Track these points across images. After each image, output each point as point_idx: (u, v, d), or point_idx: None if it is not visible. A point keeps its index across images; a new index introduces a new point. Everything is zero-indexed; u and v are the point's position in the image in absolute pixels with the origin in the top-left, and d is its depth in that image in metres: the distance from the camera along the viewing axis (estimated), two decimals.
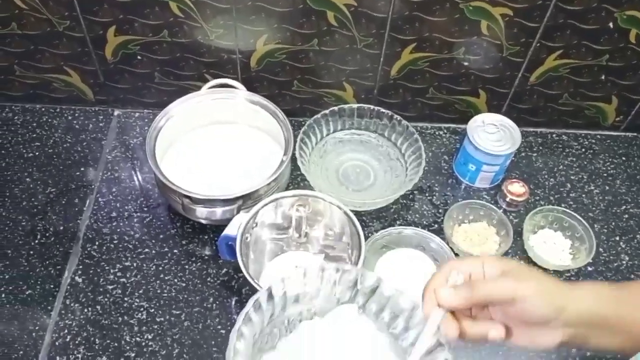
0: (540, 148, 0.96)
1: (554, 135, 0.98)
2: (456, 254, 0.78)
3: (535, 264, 0.81)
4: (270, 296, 0.55)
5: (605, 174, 0.93)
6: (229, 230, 0.70)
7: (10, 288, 0.76)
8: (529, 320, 0.50)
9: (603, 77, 0.90)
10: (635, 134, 0.99)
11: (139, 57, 0.88)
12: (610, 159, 0.95)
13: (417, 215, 0.86)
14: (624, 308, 0.52)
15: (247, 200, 0.76)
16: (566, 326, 0.50)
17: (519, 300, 0.48)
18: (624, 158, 0.96)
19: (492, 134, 0.86)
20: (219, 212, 0.75)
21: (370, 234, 0.80)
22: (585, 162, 0.95)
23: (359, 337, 0.57)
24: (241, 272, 0.67)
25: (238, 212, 0.75)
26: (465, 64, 0.88)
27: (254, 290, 0.66)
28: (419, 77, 0.91)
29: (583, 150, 0.97)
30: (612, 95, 0.93)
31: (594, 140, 0.98)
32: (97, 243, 0.81)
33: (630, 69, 0.88)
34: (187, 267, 0.79)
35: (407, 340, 0.56)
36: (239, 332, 0.53)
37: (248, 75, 0.90)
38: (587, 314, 0.50)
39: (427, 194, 0.89)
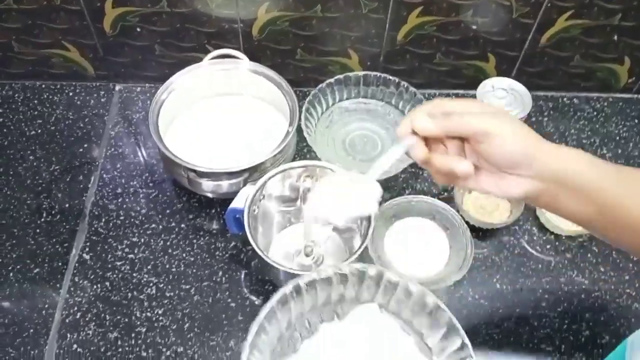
0: (551, 112, 0.94)
1: (565, 99, 0.96)
2: (467, 222, 0.77)
3: (547, 230, 0.80)
4: (284, 302, 0.56)
5: (617, 137, 0.91)
6: (236, 203, 0.69)
7: (19, 267, 0.76)
8: (499, 160, 0.49)
9: (615, 38, 0.87)
10: None
11: (138, 29, 0.86)
12: (622, 122, 0.93)
13: (426, 184, 0.85)
14: (606, 180, 0.50)
15: (254, 172, 0.75)
16: (536, 178, 0.49)
17: (492, 136, 0.48)
18: (636, 120, 0.94)
19: (502, 99, 0.84)
20: (225, 185, 0.74)
21: (380, 204, 0.78)
22: (597, 126, 0.93)
23: (381, 336, 0.58)
24: (249, 245, 0.66)
25: (244, 184, 0.74)
26: (474, 27, 0.86)
27: (263, 263, 0.65)
28: (426, 42, 0.88)
29: (595, 113, 0.94)
30: (625, 56, 0.90)
31: (606, 103, 0.96)
32: (103, 220, 0.80)
33: None
34: (195, 241, 0.79)
35: (434, 338, 0.57)
36: (251, 345, 0.53)
37: (250, 44, 0.88)
38: (562, 172, 0.49)
39: None
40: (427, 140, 0.52)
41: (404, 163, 0.66)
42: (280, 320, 0.57)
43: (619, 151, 0.90)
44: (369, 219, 0.68)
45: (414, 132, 0.51)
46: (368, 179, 0.54)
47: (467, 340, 0.55)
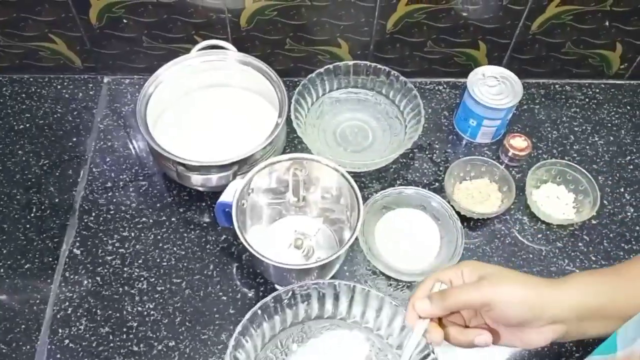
0: (543, 100, 0.94)
1: (556, 86, 0.95)
2: (457, 212, 0.76)
3: (538, 219, 0.80)
4: (257, 322, 0.59)
5: (609, 124, 0.91)
6: (225, 197, 0.69)
7: (9, 262, 0.76)
8: (510, 322, 0.52)
9: (607, 24, 0.86)
10: None
11: (124, 21, 0.85)
12: (614, 109, 0.93)
13: (417, 174, 0.84)
14: (617, 294, 0.52)
15: (243, 165, 0.74)
16: (555, 323, 0.51)
17: (494, 306, 0.50)
18: (628, 107, 0.93)
19: (493, 87, 0.84)
20: (214, 178, 0.74)
21: (370, 195, 0.78)
22: (589, 113, 0.92)
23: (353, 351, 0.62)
24: None
25: (234, 177, 0.73)
26: (464, 14, 0.85)
27: (253, 257, 0.65)
28: (416, 30, 0.87)
29: (587, 100, 0.94)
30: (617, 42, 0.90)
31: (597, 90, 0.95)
32: (93, 214, 0.80)
33: (635, 13, 0.84)
34: (185, 235, 0.78)
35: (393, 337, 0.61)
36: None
37: (238, 35, 0.87)
38: (576, 308, 0.51)
39: (427, 152, 0.87)
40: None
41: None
42: (255, 338, 0.60)
43: (611, 138, 0.89)
44: (358, 210, 0.67)
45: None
46: None
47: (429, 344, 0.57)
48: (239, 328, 0.58)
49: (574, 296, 0.52)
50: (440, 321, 0.54)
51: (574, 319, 0.51)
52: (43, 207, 0.80)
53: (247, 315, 0.58)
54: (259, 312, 0.59)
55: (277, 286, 0.73)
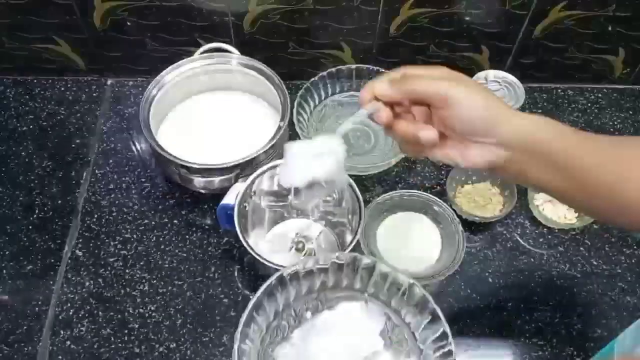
0: (545, 104, 0.94)
1: (559, 91, 0.95)
2: (459, 216, 0.76)
3: (540, 224, 0.80)
4: (270, 294, 0.57)
5: (612, 129, 0.91)
6: (227, 200, 0.69)
7: (12, 264, 0.76)
8: (458, 125, 0.49)
9: (610, 28, 0.86)
10: None
11: (128, 23, 0.86)
12: (617, 113, 0.93)
13: (419, 178, 0.85)
14: (575, 148, 0.49)
15: (245, 168, 0.74)
16: (500, 146, 0.49)
17: (449, 100, 0.47)
18: (631, 112, 0.93)
19: (495, 92, 0.83)
20: (216, 181, 0.74)
21: (371, 198, 0.78)
22: (592, 117, 0.92)
23: (368, 331, 0.60)
24: None
25: (236, 180, 0.74)
26: (467, 18, 0.85)
27: (255, 260, 0.65)
28: (419, 34, 0.87)
29: (589, 105, 0.94)
30: (619, 47, 0.90)
31: (600, 95, 0.95)
32: (96, 216, 0.80)
33: (638, 18, 0.84)
34: (187, 237, 0.79)
35: (419, 327, 0.59)
36: (242, 333, 0.54)
37: (242, 38, 0.87)
38: (527, 139, 0.48)
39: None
40: (394, 109, 0.52)
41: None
42: (267, 310, 0.58)
43: None
44: (360, 214, 0.67)
45: (377, 99, 0.51)
46: (333, 139, 0.54)
47: (447, 329, 0.55)
48: (258, 294, 0.56)
49: (531, 125, 0.48)
50: (392, 109, 0.51)
51: (521, 148, 0.48)
52: (46, 209, 0.81)
53: (264, 285, 0.57)
54: (274, 282, 0.58)
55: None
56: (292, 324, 0.62)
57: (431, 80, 0.49)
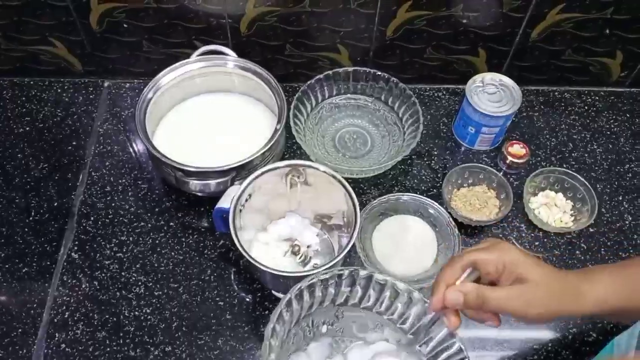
0: (542, 107, 0.94)
1: (556, 94, 0.95)
2: (455, 219, 0.76)
3: (536, 227, 0.80)
4: (300, 296, 0.58)
5: (608, 132, 0.91)
6: (223, 203, 0.69)
7: (7, 266, 0.76)
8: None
9: (607, 31, 0.86)
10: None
11: (125, 25, 0.86)
12: (614, 116, 0.93)
13: (415, 181, 0.84)
14: (636, 294, 0.53)
15: (241, 171, 0.74)
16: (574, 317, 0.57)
17: (526, 319, 0.53)
18: (628, 115, 0.93)
19: (492, 95, 0.84)
20: (212, 184, 0.74)
21: (368, 201, 0.78)
22: (589, 120, 0.92)
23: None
24: None
25: (232, 183, 0.74)
26: (464, 21, 0.85)
27: (250, 263, 0.65)
28: (416, 36, 0.87)
29: (586, 108, 0.94)
30: (617, 49, 0.89)
31: (597, 97, 0.95)
32: (92, 218, 0.80)
33: (635, 21, 0.84)
34: (183, 239, 0.79)
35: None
36: (273, 329, 0.54)
37: (238, 40, 0.87)
38: (594, 312, 0.53)
39: (425, 159, 0.87)
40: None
41: None
42: (292, 314, 0.59)
43: (610, 146, 0.89)
44: (355, 217, 0.67)
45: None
46: None
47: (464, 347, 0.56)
48: (288, 295, 0.57)
49: (593, 302, 0.53)
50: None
51: (589, 317, 0.56)
52: (42, 211, 0.81)
53: (294, 289, 0.58)
54: (304, 288, 0.58)
55: (274, 292, 0.74)
56: (307, 336, 0.62)
57: (506, 303, 0.52)
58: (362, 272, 0.59)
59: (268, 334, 0.53)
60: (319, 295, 0.60)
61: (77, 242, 0.78)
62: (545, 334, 0.72)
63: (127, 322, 0.72)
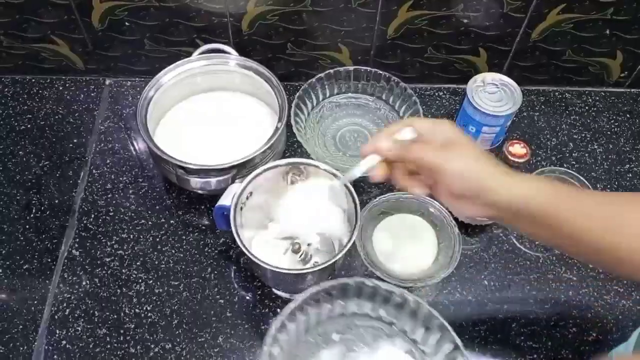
0: (543, 107, 0.94)
1: (556, 94, 0.96)
2: (455, 219, 0.76)
3: None
4: (303, 306, 0.60)
5: (609, 132, 0.91)
6: (224, 201, 0.69)
7: (8, 263, 0.76)
8: (449, 193, 0.54)
9: (607, 32, 0.86)
10: None
11: (127, 24, 0.86)
12: (614, 117, 0.93)
13: None
14: (568, 212, 0.51)
15: (242, 169, 0.74)
16: (489, 207, 0.52)
17: (442, 176, 0.53)
18: (628, 115, 0.93)
19: (493, 94, 0.84)
20: (213, 182, 0.74)
21: (368, 200, 0.78)
22: (589, 120, 0.93)
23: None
24: None
25: (233, 181, 0.74)
26: (465, 21, 0.85)
27: (251, 260, 0.65)
28: (417, 36, 0.88)
29: (586, 108, 0.94)
30: (617, 50, 0.90)
31: (597, 98, 0.95)
32: (92, 216, 0.80)
33: (635, 22, 0.85)
34: (184, 237, 0.79)
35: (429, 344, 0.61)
36: (274, 337, 0.56)
37: (240, 39, 0.88)
38: (517, 205, 0.51)
39: None
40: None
41: None
42: (299, 321, 0.61)
43: (610, 146, 0.89)
44: (356, 215, 0.68)
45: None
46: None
47: (459, 342, 0.57)
48: (299, 299, 0.58)
49: (524, 191, 0.51)
50: (389, 163, 0.57)
51: (512, 212, 0.52)
52: (43, 208, 0.81)
53: (309, 292, 0.59)
54: (323, 293, 0.60)
55: (274, 290, 0.74)
56: (320, 343, 0.63)
57: (427, 153, 0.53)
58: (368, 283, 0.60)
59: (268, 341, 0.55)
60: (325, 305, 0.61)
61: (77, 240, 0.78)
62: (545, 333, 0.72)
63: (127, 319, 0.72)
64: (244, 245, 0.65)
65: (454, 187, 0.53)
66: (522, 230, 0.55)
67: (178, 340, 0.71)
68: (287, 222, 0.76)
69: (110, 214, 0.80)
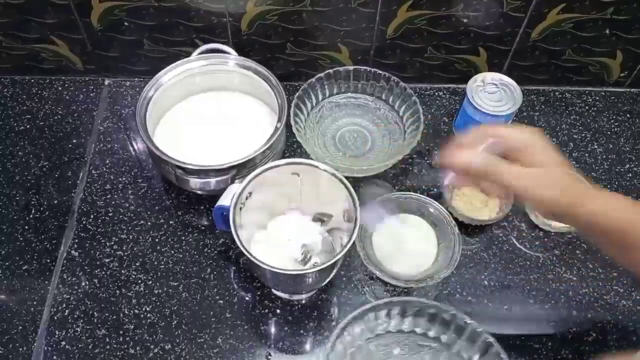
0: (543, 107, 0.94)
1: (556, 93, 0.95)
2: (455, 219, 0.76)
3: (536, 227, 0.80)
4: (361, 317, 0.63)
5: (609, 132, 0.91)
6: (223, 201, 0.69)
7: (7, 264, 0.76)
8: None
9: (607, 31, 0.86)
10: None
11: (126, 24, 0.86)
12: (614, 117, 0.93)
13: (415, 180, 0.84)
14: (629, 223, 0.53)
15: (242, 169, 0.74)
16: (571, 223, 0.56)
17: (529, 200, 0.54)
18: (628, 115, 0.93)
19: (493, 94, 0.83)
20: (212, 182, 0.74)
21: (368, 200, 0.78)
22: (589, 120, 0.92)
23: None
24: None
25: (232, 181, 0.74)
26: (465, 20, 0.85)
27: (250, 261, 0.65)
28: (417, 36, 0.87)
29: (586, 107, 0.94)
30: (617, 50, 0.90)
31: (597, 97, 0.95)
32: (92, 216, 0.80)
33: (635, 22, 0.85)
34: (183, 238, 0.79)
35: None
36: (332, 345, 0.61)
37: (239, 39, 0.87)
38: (597, 220, 0.53)
39: (426, 158, 0.87)
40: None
41: None
42: (357, 330, 0.64)
43: (610, 146, 0.89)
44: (355, 216, 0.67)
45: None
46: None
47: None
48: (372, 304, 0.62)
49: (598, 207, 0.53)
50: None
51: (588, 228, 0.55)
52: (42, 209, 0.81)
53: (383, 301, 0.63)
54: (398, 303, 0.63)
55: (274, 291, 0.74)
56: (379, 355, 0.66)
57: (511, 177, 0.53)
58: (431, 304, 0.63)
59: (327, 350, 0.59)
60: (382, 320, 0.64)
61: (77, 240, 0.78)
62: (545, 333, 0.72)
63: (126, 320, 0.72)
64: (244, 246, 0.65)
65: (539, 210, 0.58)
66: (600, 245, 0.57)
67: (177, 341, 0.70)
68: (287, 222, 0.76)
69: (110, 214, 0.80)
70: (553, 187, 0.53)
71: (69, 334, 0.71)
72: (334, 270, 0.70)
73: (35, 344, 0.70)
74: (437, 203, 0.77)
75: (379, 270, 0.73)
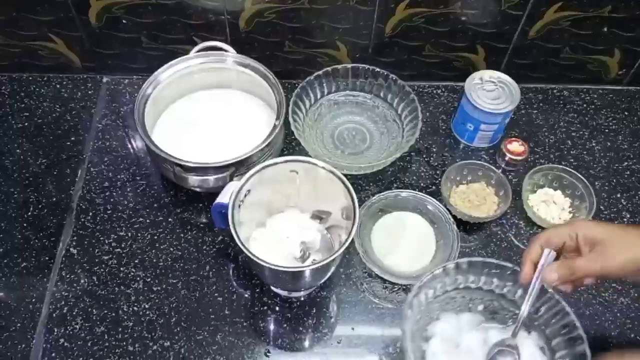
0: (541, 105, 0.94)
1: (554, 91, 0.96)
2: (454, 216, 0.77)
3: (535, 224, 0.80)
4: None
5: (607, 130, 0.91)
6: (222, 199, 0.69)
7: (6, 261, 0.76)
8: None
9: (605, 29, 0.86)
10: (638, 87, 0.96)
11: (124, 21, 0.86)
12: (612, 114, 0.93)
13: (414, 178, 0.85)
14: None
15: (240, 167, 0.74)
16: None
17: (605, 276, 0.59)
18: (626, 113, 0.93)
19: (491, 92, 0.84)
20: (211, 179, 0.74)
21: (366, 198, 0.79)
22: (587, 118, 0.93)
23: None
24: None
25: (231, 179, 0.74)
26: (463, 18, 0.85)
27: (249, 258, 0.65)
28: (415, 34, 0.88)
29: (584, 105, 0.94)
30: (615, 47, 0.90)
31: (595, 95, 0.95)
32: (90, 214, 0.80)
33: (633, 20, 0.85)
34: (182, 235, 0.79)
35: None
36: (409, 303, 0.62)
37: (237, 36, 0.87)
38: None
39: (424, 156, 0.87)
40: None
41: None
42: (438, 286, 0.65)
43: (608, 144, 0.90)
44: (354, 213, 0.67)
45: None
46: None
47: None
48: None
49: None
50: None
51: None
52: (40, 206, 0.81)
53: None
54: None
55: (273, 288, 0.74)
56: (463, 305, 0.67)
57: (590, 266, 0.57)
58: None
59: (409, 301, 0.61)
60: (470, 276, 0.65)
61: (75, 238, 0.78)
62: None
63: (125, 317, 0.72)
64: (242, 243, 0.65)
65: (616, 277, 0.65)
66: None
67: (176, 338, 0.70)
68: (286, 220, 0.76)
69: (108, 211, 0.80)
70: (617, 254, 0.56)
71: (67, 331, 0.71)
72: (333, 268, 0.71)
73: (34, 342, 0.70)
74: (435, 201, 0.78)
75: (378, 268, 0.73)
